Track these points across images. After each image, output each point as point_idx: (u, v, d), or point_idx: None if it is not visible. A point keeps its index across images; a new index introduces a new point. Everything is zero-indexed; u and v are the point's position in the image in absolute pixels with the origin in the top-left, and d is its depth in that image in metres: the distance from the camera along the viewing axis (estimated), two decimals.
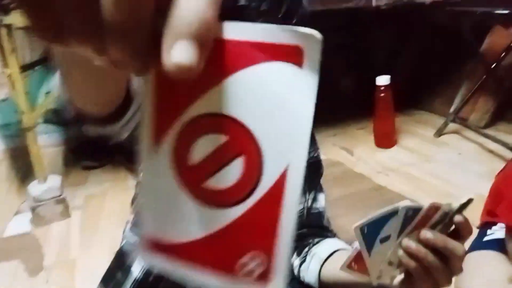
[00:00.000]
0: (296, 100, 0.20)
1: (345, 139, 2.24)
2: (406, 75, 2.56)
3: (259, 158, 0.21)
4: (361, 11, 1.93)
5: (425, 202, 1.59)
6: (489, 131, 2.07)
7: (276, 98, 0.20)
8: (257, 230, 0.21)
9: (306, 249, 0.77)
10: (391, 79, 2.00)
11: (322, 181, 0.85)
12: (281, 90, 0.20)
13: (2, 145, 2.31)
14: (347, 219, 1.47)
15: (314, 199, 0.82)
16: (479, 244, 1.04)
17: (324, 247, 0.76)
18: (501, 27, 2.16)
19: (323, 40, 0.19)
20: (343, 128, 2.38)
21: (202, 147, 0.21)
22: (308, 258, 0.77)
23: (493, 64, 1.99)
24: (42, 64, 2.16)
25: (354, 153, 2.06)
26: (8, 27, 1.33)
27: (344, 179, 1.80)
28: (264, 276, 0.22)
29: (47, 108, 1.52)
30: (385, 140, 2.08)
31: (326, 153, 2.07)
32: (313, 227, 0.81)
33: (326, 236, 0.80)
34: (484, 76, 2.02)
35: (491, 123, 2.21)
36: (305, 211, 0.81)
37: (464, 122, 2.16)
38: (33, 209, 1.60)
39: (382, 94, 2.00)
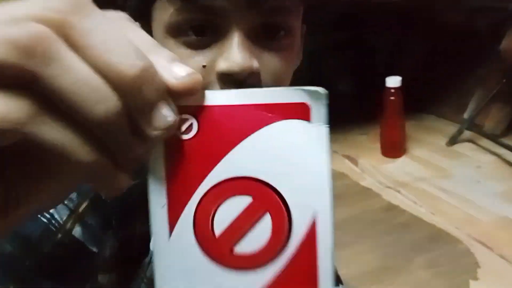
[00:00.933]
0: (311, 151, 0.21)
1: (347, 146, 2.01)
2: (412, 77, 2.33)
3: (286, 212, 0.21)
4: (364, 5, 1.71)
5: (446, 228, 1.34)
6: (508, 140, 1.86)
7: (291, 152, 0.21)
8: (298, 283, 0.22)
9: None
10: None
11: None
12: (295, 145, 0.21)
13: None
14: (354, 250, 1.26)
15: None
16: None
17: None
18: None
19: (328, 95, 0.21)
20: (343, 133, 2.15)
21: (226, 213, 0.21)
22: None
23: (511, 68, 1.78)
24: None
25: (358, 163, 1.83)
26: None
27: (350, 195, 1.57)
28: None
29: None
30: (393, 149, 1.86)
31: None
32: None
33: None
34: (504, 80, 1.81)
35: (508, 131, 2.00)
36: None
37: (479, 129, 1.95)
38: None
39: (392, 98, 1.78)
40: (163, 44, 0.36)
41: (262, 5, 0.36)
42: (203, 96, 0.21)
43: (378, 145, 1.91)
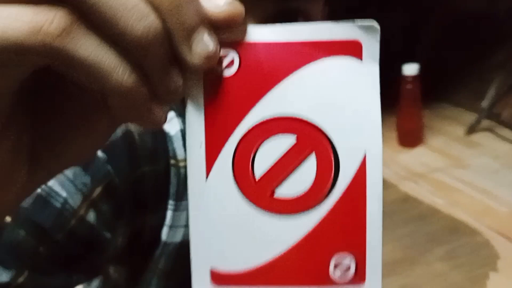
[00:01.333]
0: (361, 90, 0.20)
1: None
2: (430, 63, 2.29)
3: (332, 152, 0.20)
4: None
5: (464, 219, 1.33)
6: None
7: (340, 91, 0.20)
8: (345, 229, 0.21)
9: None
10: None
11: None
12: (344, 84, 0.20)
13: None
14: None
15: None
16: None
17: None
18: None
19: (381, 30, 0.19)
20: None
21: (268, 154, 0.20)
22: None
23: None
24: None
25: None
26: None
27: None
28: (359, 276, 0.21)
29: None
30: (410, 138, 1.83)
31: None
32: None
33: None
34: None
35: None
36: None
37: (498, 118, 1.91)
38: None
39: (409, 86, 1.75)
40: None
41: None
42: (245, 31, 0.19)
43: (394, 135, 1.88)
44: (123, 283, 0.44)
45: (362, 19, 0.19)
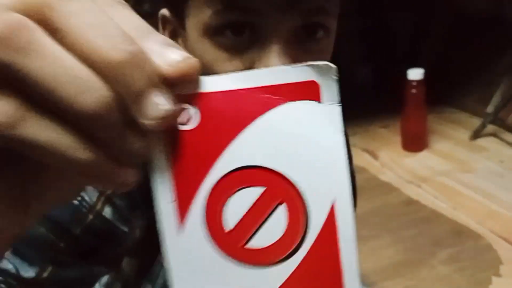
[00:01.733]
0: (323, 134, 0.20)
1: (367, 139, 2.00)
2: (433, 67, 2.29)
3: (301, 201, 0.20)
4: None
5: (466, 223, 1.33)
6: None
7: (302, 137, 0.20)
8: (320, 277, 0.21)
9: None
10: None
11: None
12: (305, 129, 0.20)
13: None
14: (374, 243, 1.26)
15: None
16: None
17: None
18: None
19: (337, 69, 0.19)
20: (364, 126, 2.13)
21: (238, 206, 0.20)
22: None
23: None
24: None
25: (378, 157, 1.82)
26: None
27: (369, 189, 1.56)
28: None
29: None
30: (415, 143, 1.84)
31: None
32: None
33: None
34: None
35: None
36: None
37: (503, 123, 1.91)
38: None
39: (414, 91, 1.76)
40: (200, 41, 0.38)
41: (302, 6, 0.35)
42: (202, 83, 0.19)
43: (398, 139, 1.89)
44: (133, 275, 0.46)
45: (318, 61, 0.19)
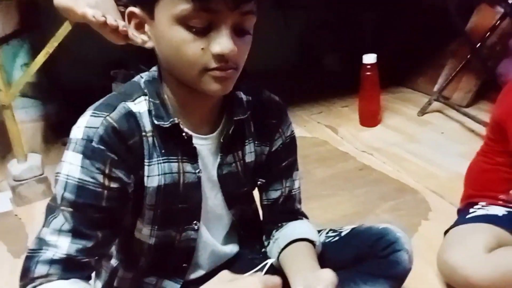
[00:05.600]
0: None
1: (330, 117, 2.24)
2: (391, 53, 2.55)
3: None
4: None
5: (408, 182, 1.61)
6: (471, 110, 2.10)
7: None
8: None
9: (273, 231, 0.82)
10: (377, 57, 1.99)
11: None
12: None
13: None
14: (333, 200, 1.50)
15: (292, 185, 0.83)
16: (462, 220, 1.09)
17: (285, 233, 0.80)
18: (486, 6, 2.16)
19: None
20: (329, 106, 2.38)
21: None
22: (271, 242, 0.82)
23: (477, 44, 2.00)
24: (16, 37, 2.07)
25: (339, 131, 2.07)
26: None
27: (330, 158, 1.81)
28: None
29: (23, 83, 1.46)
30: (370, 119, 2.09)
31: (312, 132, 2.08)
32: (285, 213, 0.84)
33: (296, 218, 0.84)
34: (469, 56, 2.03)
35: (473, 102, 2.24)
36: (281, 198, 0.82)
37: (447, 101, 2.19)
38: (13, 189, 1.57)
39: (368, 73, 2.00)
40: (170, 27, 0.59)
41: (241, 9, 0.58)
42: None
43: (357, 116, 2.14)
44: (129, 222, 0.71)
45: None
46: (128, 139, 0.63)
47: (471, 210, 1.12)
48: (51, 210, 0.62)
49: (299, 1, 2.68)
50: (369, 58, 1.98)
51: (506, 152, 1.05)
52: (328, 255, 0.84)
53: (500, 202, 1.10)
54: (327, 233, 0.90)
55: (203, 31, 0.58)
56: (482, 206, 1.13)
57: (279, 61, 2.73)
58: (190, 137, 0.68)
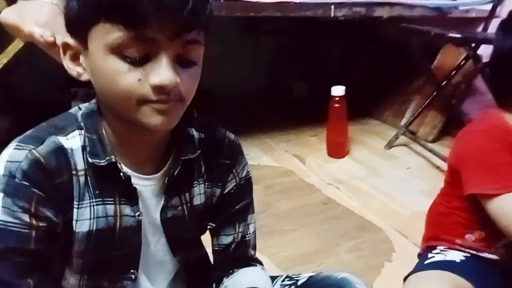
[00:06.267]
0: None
1: (298, 146, 2.22)
2: (359, 85, 2.59)
3: None
4: (319, 20, 1.89)
5: (370, 219, 1.58)
6: (436, 146, 2.13)
7: None
8: None
9: (224, 278, 0.77)
10: (345, 88, 2.00)
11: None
12: None
13: None
14: (293, 236, 1.46)
15: (245, 230, 0.78)
16: (421, 266, 1.07)
17: (234, 281, 0.75)
18: (452, 46, 2.21)
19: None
20: (297, 134, 2.36)
21: None
22: None
23: (443, 82, 2.04)
24: None
25: (306, 162, 2.04)
26: None
27: (294, 190, 1.77)
28: None
29: None
30: (337, 150, 2.08)
31: (279, 161, 2.05)
32: (237, 260, 0.78)
33: (248, 265, 0.78)
34: (434, 93, 2.07)
35: (439, 137, 2.28)
36: (233, 245, 0.77)
37: (413, 135, 2.21)
38: None
39: (337, 105, 2.00)
40: (103, 58, 0.53)
41: (183, 38, 0.53)
42: None
43: (325, 146, 2.13)
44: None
45: None
46: (55, 177, 0.57)
47: (429, 255, 1.10)
48: None
49: (270, 27, 2.69)
50: (338, 90, 1.98)
51: (461, 197, 1.04)
52: None
53: (457, 247, 1.08)
54: (283, 280, 0.84)
55: (140, 61, 0.53)
56: (441, 250, 1.11)
57: (248, 85, 2.71)
58: (128, 178, 0.62)
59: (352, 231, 1.48)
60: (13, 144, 0.57)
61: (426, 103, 2.09)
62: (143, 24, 0.51)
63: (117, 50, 0.52)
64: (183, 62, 0.56)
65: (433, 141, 2.26)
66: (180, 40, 0.53)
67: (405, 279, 1.08)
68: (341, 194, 1.74)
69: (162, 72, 0.53)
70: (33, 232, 0.56)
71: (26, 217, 0.55)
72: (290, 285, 0.83)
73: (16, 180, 0.54)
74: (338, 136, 2.07)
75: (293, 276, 0.84)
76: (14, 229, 0.55)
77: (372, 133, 2.37)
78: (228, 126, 0.76)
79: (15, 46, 1.33)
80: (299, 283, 0.82)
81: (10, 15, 0.93)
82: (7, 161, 0.55)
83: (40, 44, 0.89)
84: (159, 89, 0.53)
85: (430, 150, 2.02)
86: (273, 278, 0.83)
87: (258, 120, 2.50)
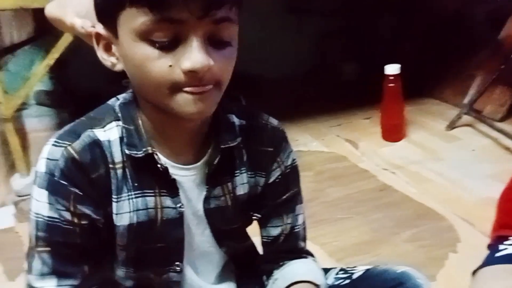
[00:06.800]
0: None
1: (350, 130, 2.11)
2: (414, 62, 2.40)
3: None
4: None
5: (431, 206, 1.46)
6: (505, 126, 1.93)
7: None
8: None
9: (274, 271, 0.73)
10: (400, 66, 1.86)
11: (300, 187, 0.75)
12: None
13: None
14: (346, 225, 1.38)
15: (294, 221, 0.73)
16: (491, 260, 0.95)
17: (285, 274, 0.71)
18: None
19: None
20: (348, 118, 2.25)
21: None
22: (270, 282, 0.72)
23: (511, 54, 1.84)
24: (31, 43, 2.06)
25: (359, 146, 1.94)
26: None
27: (347, 176, 1.68)
28: None
29: (24, 95, 1.42)
30: (393, 133, 1.95)
31: (330, 146, 1.96)
32: (287, 252, 0.73)
33: (299, 257, 0.73)
34: (502, 67, 1.87)
35: (508, 116, 2.07)
36: (282, 236, 0.72)
37: (478, 114, 2.02)
38: (16, 204, 1.52)
39: (391, 85, 1.87)
40: (132, 44, 0.50)
41: (212, 16, 0.49)
42: None
43: (379, 129, 2.00)
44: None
45: None
46: (91, 172, 0.56)
47: (501, 246, 0.97)
48: (31, 254, 0.58)
49: (314, 6, 2.57)
50: (392, 69, 1.84)
51: None
52: None
53: None
54: (337, 273, 0.78)
55: (170, 46, 0.49)
56: None
57: (293, 69, 2.62)
58: (165, 169, 0.59)
59: (411, 219, 1.37)
60: (52, 140, 0.57)
61: (492, 78, 1.90)
62: (167, 4, 0.47)
63: (145, 36, 0.49)
64: (216, 43, 0.52)
65: (501, 119, 2.05)
66: (210, 18, 0.49)
67: (473, 273, 0.98)
68: (398, 180, 1.63)
69: (193, 55, 0.49)
70: (77, 228, 0.57)
71: (68, 215, 0.56)
72: (345, 278, 0.76)
73: (56, 178, 0.55)
74: (394, 117, 1.93)
75: (348, 269, 0.78)
76: (60, 225, 0.56)
77: (431, 113, 2.20)
78: (274, 112, 0.71)
79: (65, 40, 1.35)
80: (354, 276, 0.75)
81: (53, 9, 0.94)
82: (47, 158, 0.56)
83: (82, 35, 0.89)
84: (191, 74, 0.50)
85: (498, 130, 1.84)
86: (326, 270, 0.77)
87: (306, 105, 2.42)
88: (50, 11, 0.95)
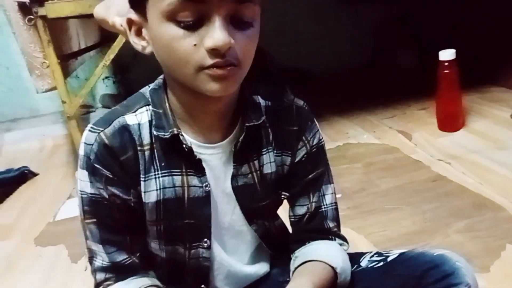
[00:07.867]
0: None
1: (404, 121, 2.04)
2: (474, 48, 2.25)
3: None
4: None
5: (489, 196, 1.37)
6: None
7: None
8: None
9: (296, 250, 0.75)
10: (457, 52, 1.75)
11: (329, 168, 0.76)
12: None
13: (64, 130, 2.44)
14: (395, 215, 1.33)
15: (319, 200, 0.73)
16: None
17: (305, 252, 0.73)
18: None
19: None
20: (403, 109, 2.17)
21: None
22: (292, 260, 0.74)
23: None
24: (96, 49, 2.22)
25: (413, 137, 1.86)
26: (44, 18, 1.35)
27: (398, 167, 1.63)
28: None
29: (85, 95, 1.54)
30: (450, 122, 1.85)
31: (381, 138, 1.90)
32: (313, 231, 0.74)
33: (326, 238, 0.74)
34: None
35: None
36: (307, 215, 0.73)
37: None
38: None
39: (446, 71, 1.77)
40: (160, 25, 0.54)
41: None
42: None
43: (435, 120, 1.91)
44: None
45: None
46: (120, 155, 0.61)
47: None
48: (82, 225, 0.66)
49: None
50: (447, 54, 1.75)
51: None
52: (366, 283, 0.72)
53: None
54: (372, 256, 0.77)
55: (194, 25, 0.53)
56: None
57: (348, 60, 2.57)
58: (190, 149, 0.63)
59: (466, 210, 1.29)
60: (89, 126, 0.63)
61: None
62: None
63: (171, 16, 0.53)
64: (239, 23, 0.54)
65: None
66: None
67: None
68: (454, 170, 1.54)
69: (216, 33, 0.52)
70: (113, 205, 0.63)
71: (104, 193, 0.62)
72: (379, 261, 0.75)
73: (92, 161, 0.61)
74: (450, 105, 1.83)
75: (383, 252, 0.76)
76: (101, 200, 0.62)
77: (494, 101, 2.06)
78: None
79: (119, 42, 1.44)
80: (388, 259, 0.74)
81: (100, 9, 1.02)
82: (85, 143, 0.62)
83: (122, 33, 0.95)
84: (213, 52, 0.53)
85: None
86: (361, 254, 0.77)
87: (358, 97, 2.36)
88: (97, 12, 1.03)
